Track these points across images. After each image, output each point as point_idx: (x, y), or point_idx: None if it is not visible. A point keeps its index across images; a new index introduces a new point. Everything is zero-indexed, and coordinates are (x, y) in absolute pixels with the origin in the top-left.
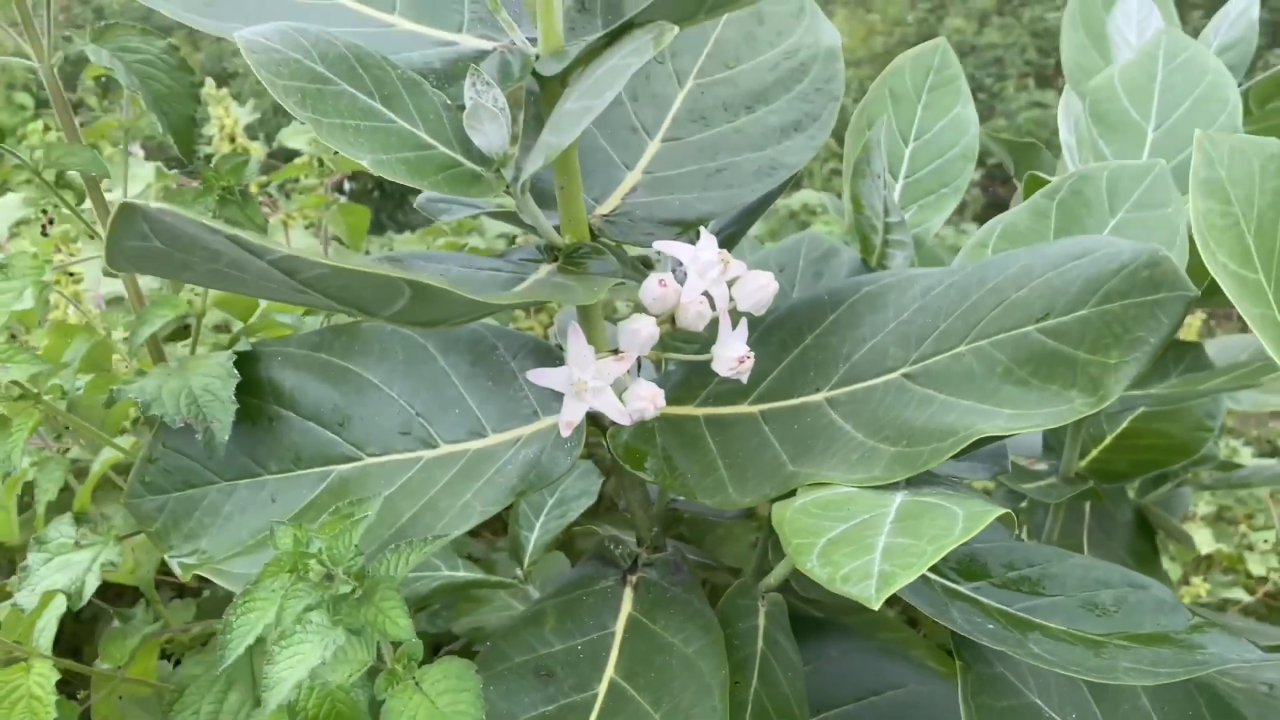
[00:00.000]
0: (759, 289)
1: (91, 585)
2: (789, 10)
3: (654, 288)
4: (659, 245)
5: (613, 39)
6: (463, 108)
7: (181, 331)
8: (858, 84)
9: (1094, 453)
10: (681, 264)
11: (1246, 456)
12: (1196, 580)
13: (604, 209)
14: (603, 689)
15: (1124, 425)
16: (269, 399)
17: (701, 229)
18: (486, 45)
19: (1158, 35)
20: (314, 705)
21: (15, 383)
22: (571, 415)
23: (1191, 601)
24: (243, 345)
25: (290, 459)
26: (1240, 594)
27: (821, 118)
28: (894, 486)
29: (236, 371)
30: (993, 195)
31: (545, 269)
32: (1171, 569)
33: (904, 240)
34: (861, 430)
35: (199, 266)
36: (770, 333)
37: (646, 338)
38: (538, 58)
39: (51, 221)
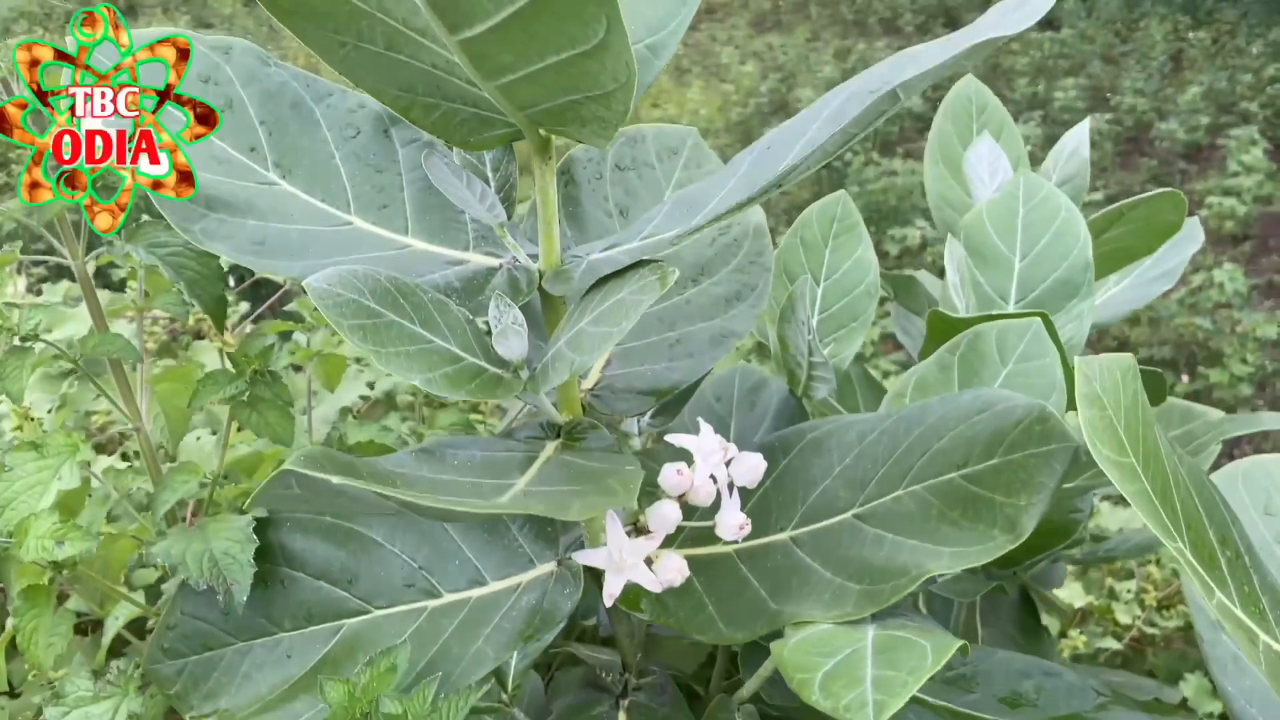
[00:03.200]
0: (751, 468)
1: None
2: None
3: (672, 475)
4: (670, 438)
5: (617, 274)
6: (470, 320)
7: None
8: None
9: None
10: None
11: (1106, 509)
12: (1074, 634)
13: (588, 384)
14: None
15: None
16: (280, 562)
17: (700, 420)
18: (493, 262)
19: (1016, 178)
20: None
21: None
22: (613, 588)
23: (1070, 654)
24: (259, 512)
25: (303, 616)
26: (1111, 642)
27: (758, 288)
28: (864, 620)
29: (255, 536)
30: None
31: (551, 445)
32: (1050, 623)
33: (826, 376)
34: (829, 569)
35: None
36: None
37: (673, 519)
38: (541, 274)
39: None
